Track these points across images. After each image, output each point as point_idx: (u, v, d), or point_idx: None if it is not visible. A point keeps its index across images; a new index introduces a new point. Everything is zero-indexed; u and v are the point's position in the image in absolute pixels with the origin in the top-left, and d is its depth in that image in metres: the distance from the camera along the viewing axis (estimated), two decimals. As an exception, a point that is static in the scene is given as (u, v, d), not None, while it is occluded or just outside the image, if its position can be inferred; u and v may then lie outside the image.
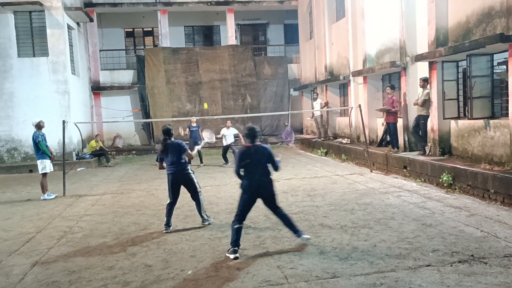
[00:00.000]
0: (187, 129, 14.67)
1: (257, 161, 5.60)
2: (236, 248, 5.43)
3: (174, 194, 6.94)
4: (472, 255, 5.02)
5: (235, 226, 5.54)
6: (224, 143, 14.46)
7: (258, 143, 5.71)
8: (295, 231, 5.79)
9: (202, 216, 7.09)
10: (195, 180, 7.03)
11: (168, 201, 6.96)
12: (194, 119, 14.93)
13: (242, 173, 5.65)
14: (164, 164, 6.98)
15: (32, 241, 6.68)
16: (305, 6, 21.14)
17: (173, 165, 6.83)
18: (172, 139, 6.96)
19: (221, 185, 10.74)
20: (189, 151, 7.11)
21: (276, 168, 5.74)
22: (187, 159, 7.04)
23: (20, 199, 10.34)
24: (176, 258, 5.50)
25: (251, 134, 5.68)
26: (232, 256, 5.36)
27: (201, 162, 14.86)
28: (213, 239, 6.22)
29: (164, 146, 6.87)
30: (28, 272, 5.30)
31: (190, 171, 7.01)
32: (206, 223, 7.05)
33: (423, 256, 5.08)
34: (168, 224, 6.82)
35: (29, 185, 12.28)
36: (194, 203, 7.13)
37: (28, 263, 5.63)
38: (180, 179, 6.90)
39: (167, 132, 6.89)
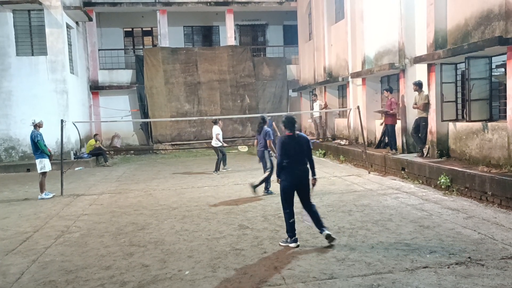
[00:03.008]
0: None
1: (300, 149, 5.73)
2: (295, 237, 5.72)
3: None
4: (469, 257, 5.03)
5: (290, 221, 5.74)
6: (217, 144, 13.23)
7: (297, 132, 5.88)
8: (320, 227, 5.80)
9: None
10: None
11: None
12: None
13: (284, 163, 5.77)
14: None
15: (29, 240, 6.67)
16: (305, 7, 21.16)
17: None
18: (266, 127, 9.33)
19: (219, 186, 10.74)
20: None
21: (311, 160, 5.85)
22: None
23: (18, 198, 10.32)
24: (174, 258, 5.50)
25: (291, 123, 5.78)
26: (293, 245, 5.65)
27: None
28: (211, 240, 6.22)
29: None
30: (25, 272, 5.29)
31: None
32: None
33: (420, 258, 5.09)
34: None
35: (27, 184, 12.26)
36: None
37: (25, 262, 5.62)
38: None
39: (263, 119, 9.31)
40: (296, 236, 5.77)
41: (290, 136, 5.78)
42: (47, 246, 6.28)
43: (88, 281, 4.88)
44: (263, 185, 9.26)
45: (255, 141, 9.57)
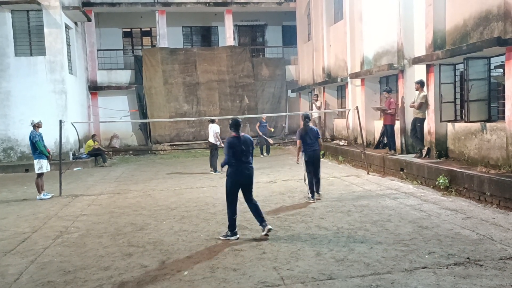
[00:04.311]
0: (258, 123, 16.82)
1: (246, 149, 6.22)
2: (236, 231, 6.21)
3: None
4: (467, 258, 5.04)
5: (234, 217, 6.19)
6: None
7: (242, 133, 6.36)
8: (261, 221, 6.28)
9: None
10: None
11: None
12: (264, 116, 17.12)
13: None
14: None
15: (27, 240, 6.66)
16: (304, 8, 21.17)
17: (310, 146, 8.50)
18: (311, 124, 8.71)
19: (217, 186, 10.73)
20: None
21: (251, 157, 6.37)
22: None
23: (16, 198, 10.30)
24: (173, 259, 5.50)
25: (236, 125, 6.29)
26: (234, 238, 6.15)
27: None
28: (210, 240, 6.22)
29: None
30: (24, 272, 5.28)
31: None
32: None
33: (419, 258, 5.09)
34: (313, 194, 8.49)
35: (25, 185, 12.24)
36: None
37: (23, 263, 5.61)
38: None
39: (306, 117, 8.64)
40: (236, 230, 6.22)
41: (236, 137, 6.24)
42: (46, 247, 6.27)
43: (87, 282, 4.88)
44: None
45: (298, 141, 8.54)
